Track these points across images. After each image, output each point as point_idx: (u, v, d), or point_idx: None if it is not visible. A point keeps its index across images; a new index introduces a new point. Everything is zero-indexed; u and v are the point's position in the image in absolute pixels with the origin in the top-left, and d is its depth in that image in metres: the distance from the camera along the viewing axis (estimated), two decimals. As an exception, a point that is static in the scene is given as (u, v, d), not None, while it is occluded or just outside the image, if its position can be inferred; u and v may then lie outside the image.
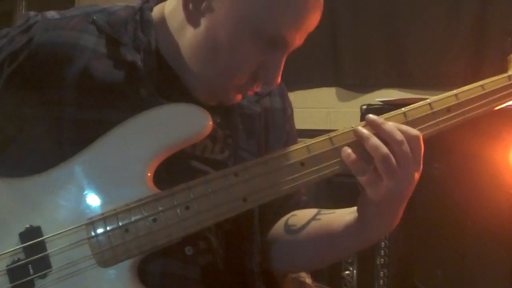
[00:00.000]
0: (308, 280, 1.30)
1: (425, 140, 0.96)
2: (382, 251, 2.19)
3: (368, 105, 2.11)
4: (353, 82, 2.80)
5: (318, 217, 1.13)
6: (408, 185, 0.94)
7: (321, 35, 2.85)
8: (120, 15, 1.07)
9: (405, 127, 0.95)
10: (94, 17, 1.05)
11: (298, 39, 1.01)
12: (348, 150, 0.95)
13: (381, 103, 2.12)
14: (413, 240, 2.25)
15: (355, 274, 2.24)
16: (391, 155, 0.92)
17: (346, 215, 1.05)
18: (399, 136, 0.93)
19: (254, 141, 1.13)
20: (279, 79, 1.02)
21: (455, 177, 2.19)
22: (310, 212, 1.15)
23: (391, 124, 0.94)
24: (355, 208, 1.03)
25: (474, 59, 2.61)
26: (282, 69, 1.02)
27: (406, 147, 0.93)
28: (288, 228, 1.15)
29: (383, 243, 2.19)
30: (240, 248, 1.08)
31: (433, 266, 2.24)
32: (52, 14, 1.07)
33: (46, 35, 1.01)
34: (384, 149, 0.92)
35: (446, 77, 2.65)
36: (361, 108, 2.10)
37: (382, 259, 2.19)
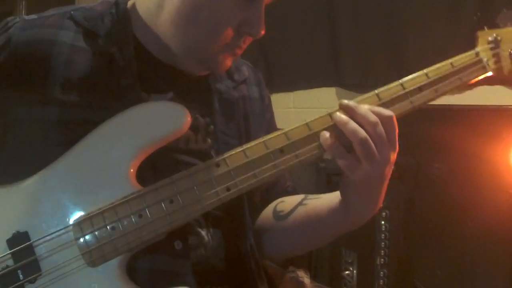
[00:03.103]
0: (307, 280, 1.31)
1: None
2: (382, 251, 2.19)
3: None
4: (353, 82, 2.79)
5: (304, 202, 1.15)
6: (384, 166, 0.96)
7: (321, 35, 2.85)
8: (97, 9, 1.09)
9: (378, 109, 0.97)
10: (72, 13, 1.07)
11: None
12: (326, 134, 0.96)
13: (381, 103, 2.11)
14: (413, 240, 2.25)
15: (355, 274, 2.25)
16: (369, 138, 0.93)
17: (330, 199, 1.08)
18: (373, 118, 0.94)
19: (234, 125, 1.14)
20: (263, 30, 1.03)
21: (455, 177, 2.19)
22: (297, 198, 1.18)
23: (364, 107, 0.95)
24: (338, 192, 1.05)
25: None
26: (263, 19, 1.03)
27: (380, 128, 0.94)
28: (276, 214, 1.17)
29: (383, 243, 2.19)
30: (233, 233, 1.09)
31: (433, 266, 2.24)
32: (30, 16, 1.08)
33: (24, 34, 1.02)
34: (362, 132, 0.93)
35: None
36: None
37: (382, 259, 2.19)
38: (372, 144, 0.93)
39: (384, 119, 0.95)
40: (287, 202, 1.18)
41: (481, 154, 2.04)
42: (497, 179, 2.05)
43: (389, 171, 0.98)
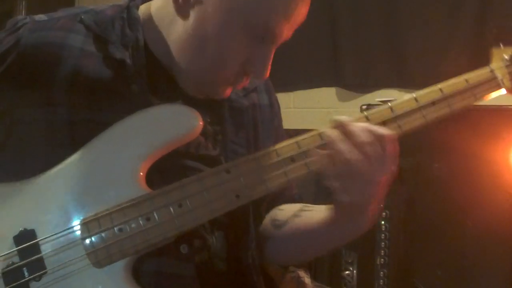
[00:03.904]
0: (307, 279, 1.30)
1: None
2: (382, 251, 2.19)
3: (368, 105, 2.11)
4: (353, 82, 2.80)
5: (299, 213, 1.14)
6: (373, 187, 0.93)
7: (321, 35, 2.85)
8: (107, 13, 1.08)
9: (372, 127, 0.93)
10: (82, 16, 1.06)
11: (286, 32, 1.02)
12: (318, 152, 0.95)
13: (381, 103, 2.11)
14: (413, 240, 2.25)
15: (355, 274, 2.24)
16: (353, 160, 0.91)
17: (324, 212, 1.06)
18: (361, 138, 0.91)
19: (243, 134, 1.14)
20: (267, 73, 1.02)
21: (455, 177, 2.19)
22: (294, 208, 1.17)
23: (356, 126, 0.93)
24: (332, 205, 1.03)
25: (474, 59, 2.60)
26: (270, 62, 1.02)
27: (370, 149, 0.91)
28: (273, 222, 1.17)
29: (383, 243, 2.19)
30: (237, 242, 1.09)
31: (433, 266, 2.24)
32: (40, 16, 1.07)
33: (33, 36, 1.02)
34: (348, 154, 0.91)
35: (446, 77, 2.63)
36: (361, 108, 2.10)
37: (382, 259, 2.19)
38: (359, 166, 0.91)
39: (378, 138, 0.92)
40: (284, 211, 1.17)
41: (481, 154, 2.04)
42: (497, 179, 2.05)
43: (380, 192, 0.95)
